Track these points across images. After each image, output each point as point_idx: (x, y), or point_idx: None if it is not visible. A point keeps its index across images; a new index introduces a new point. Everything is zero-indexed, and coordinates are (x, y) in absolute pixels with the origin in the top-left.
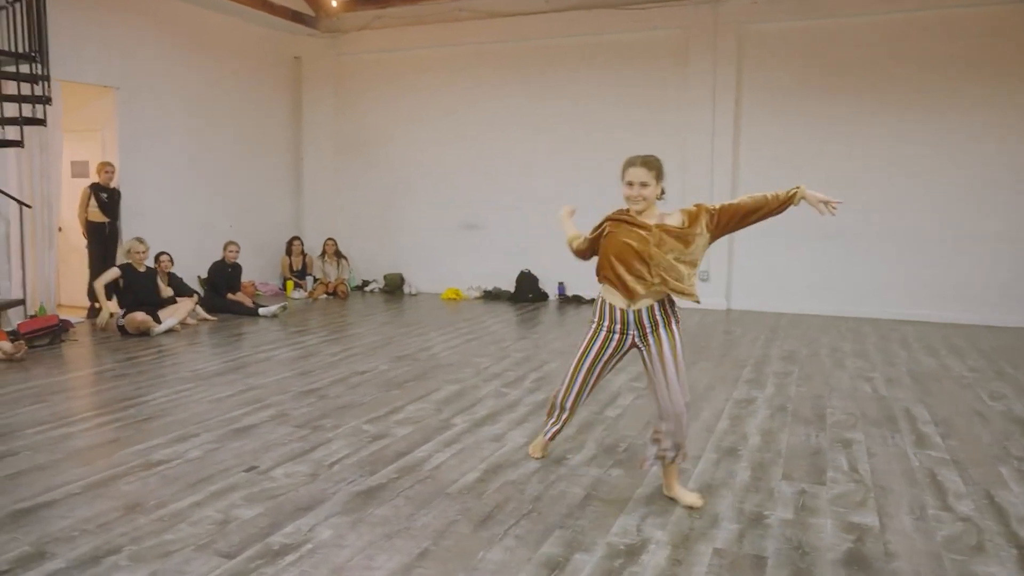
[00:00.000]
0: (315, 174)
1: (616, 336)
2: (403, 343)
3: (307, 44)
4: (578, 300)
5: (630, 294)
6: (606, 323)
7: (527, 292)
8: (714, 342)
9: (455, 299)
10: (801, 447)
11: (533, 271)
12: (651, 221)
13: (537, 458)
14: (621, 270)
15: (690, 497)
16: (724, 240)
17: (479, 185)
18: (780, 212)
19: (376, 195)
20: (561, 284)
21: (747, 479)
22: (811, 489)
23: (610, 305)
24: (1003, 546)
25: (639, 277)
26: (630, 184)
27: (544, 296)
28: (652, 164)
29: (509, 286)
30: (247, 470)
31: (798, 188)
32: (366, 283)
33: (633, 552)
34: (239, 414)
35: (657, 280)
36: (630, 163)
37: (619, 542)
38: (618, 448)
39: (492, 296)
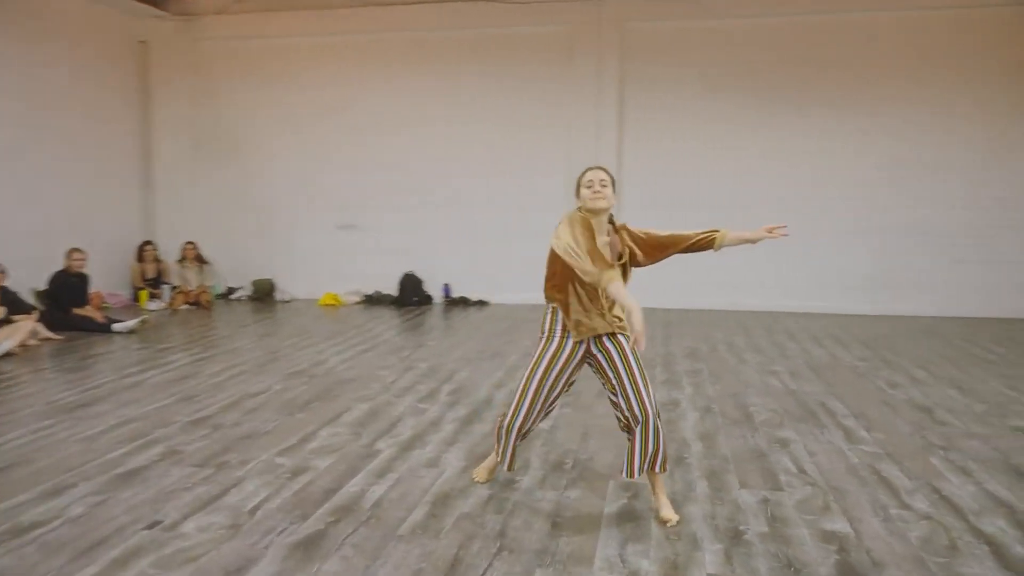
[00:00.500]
0: (169, 171)
1: (569, 344)
2: (292, 357)
3: (155, 27)
4: (464, 301)
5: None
6: (558, 330)
7: (411, 295)
8: None
9: (334, 305)
10: (743, 450)
11: (417, 273)
12: (603, 236)
13: (483, 482)
14: (579, 288)
15: (666, 511)
16: None
17: (357, 183)
18: (694, 251)
19: (241, 194)
20: (446, 285)
21: (706, 490)
22: (772, 496)
23: (560, 314)
24: (974, 543)
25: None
26: (590, 183)
27: (429, 299)
28: (608, 171)
29: (392, 289)
30: (149, 527)
31: (717, 233)
32: (232, 290)
33: None
34: (120, 454)
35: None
36: (588, 168)
37: None
38: (565, 465)
39: (374, 300)
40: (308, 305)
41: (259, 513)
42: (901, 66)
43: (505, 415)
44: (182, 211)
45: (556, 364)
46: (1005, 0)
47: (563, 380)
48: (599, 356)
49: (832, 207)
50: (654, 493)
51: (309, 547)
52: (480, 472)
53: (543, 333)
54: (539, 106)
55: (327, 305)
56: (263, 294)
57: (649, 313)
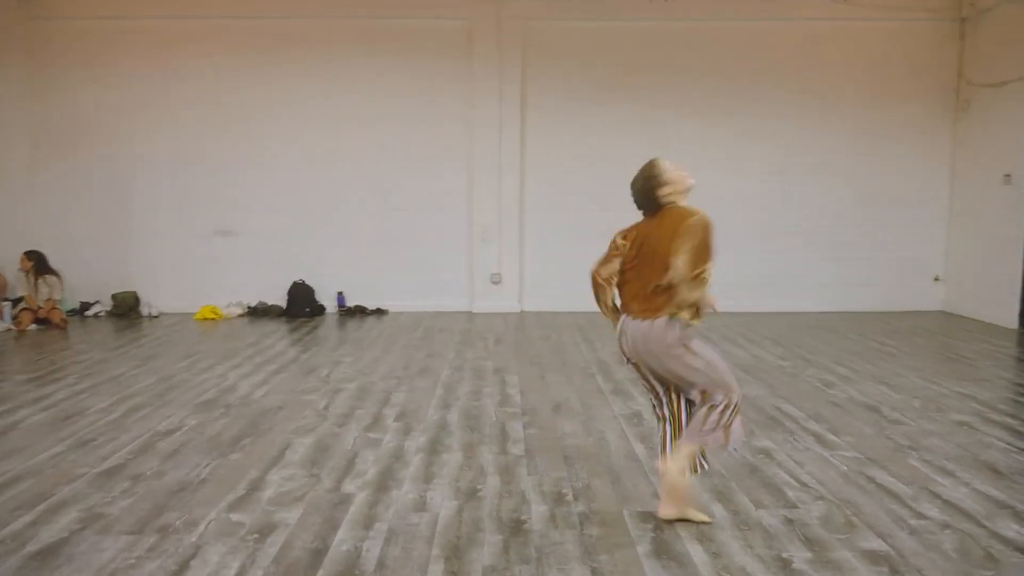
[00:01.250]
0: (2, 171)
1: None
2: (193, 383)
3: None
4: (362, 311)
5: None
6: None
7: (303, 306)
8: (540, 348)
9: (213, 319)
10: (733, 464)
11: (308, 281)
12: None
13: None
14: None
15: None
16: (515, 242)
17: (236, 185)
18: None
19: (95, 197)
20: (340, 294)
21: (724, 513)
22: (792, 515)
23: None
24: (1005, 552)
25: None
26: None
27: (322, 309)
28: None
29: (279, 300)
30: None
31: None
32: (87, 305)
33: None
34: (25, 524)
35: None
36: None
37: None
38: (565, 496)
39: (258, 313)
40: (182, 320)
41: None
42: (785, 74)
43: (728, 404)
44: (18, 216)
45: None
46: (882, 16)
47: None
48: None
49: (723, 209)
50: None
51: None
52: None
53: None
54: (439, 103)
55: (205, 319)
56: (126, 309)
57: (562, 317)
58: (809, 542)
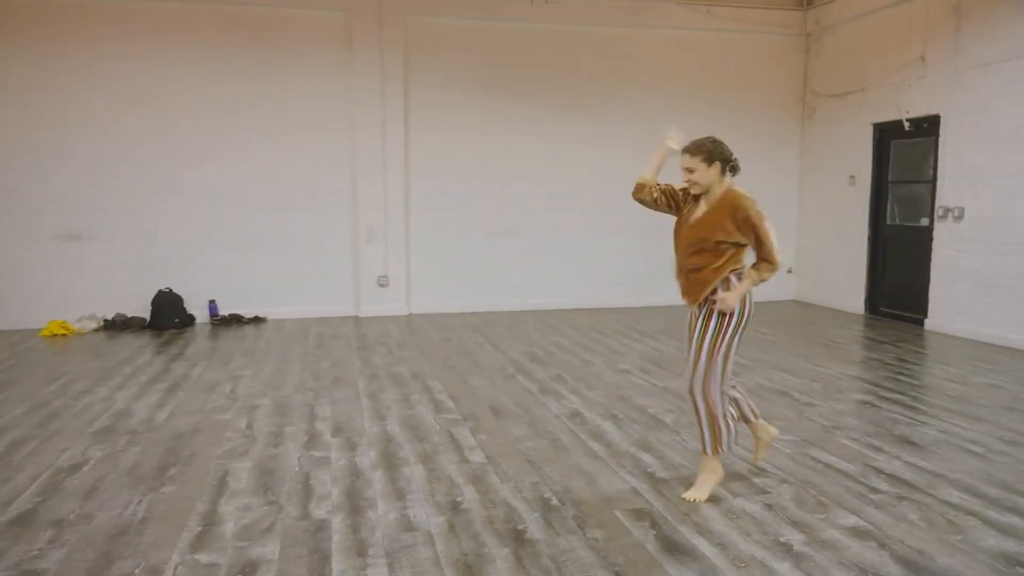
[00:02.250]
0: None
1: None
2: (76, 409)
3: None
4: (238, 320)
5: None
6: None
7: (172, 316)
8: (447, 351)
9: (64, 334)
10: (689, 456)
11: (175, 289)
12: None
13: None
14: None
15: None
16: (401, 243)
17: (86, 184)
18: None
19: None
20: (212, 303)
21: (709, 504)
22: (767, 500)
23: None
24: (960, 516)
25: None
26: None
27: (192, 319)
28: (697, 148)
29: (140, 311)
30: None
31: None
32: None
33: None
34: None
35: None
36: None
37: None
38: (550, 501)
39: (117, 326)
40: (25, 337)
41: None
42: (652, 79)
43: (716, 403)
44: None
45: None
46: (738, 28)
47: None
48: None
49: (595, 207)
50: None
51: None
52: (703, 490)
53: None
54: (319, 98)
55: (54, 336)
56: None
57: (454, 318)
58: (796, 524)
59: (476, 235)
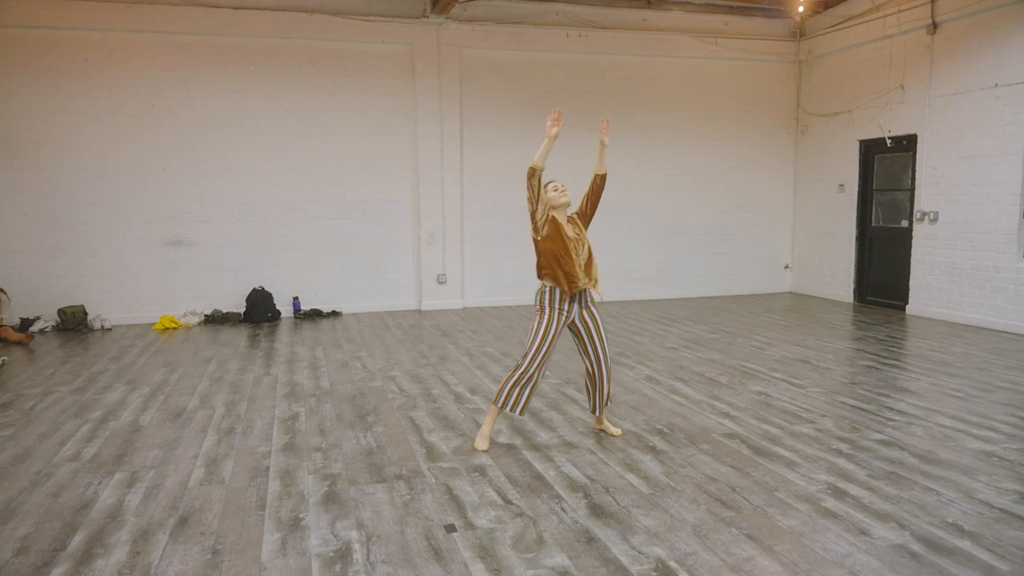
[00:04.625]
0: None
1: (556, 317)
2: (251, 381)
3: None
4: (317, 314)
5: (575, 281)
6: (550, 305)
7: (264, 311)
8: (517, 335)
9: (174, 328)
10: (755, 403)
11: (267, 288)
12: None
13: (486, 449)
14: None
15: (613, 428)
16: (457, 246)
17: (186, 195)
18: (599, 190)
19: (34, 208)
20: (296, 299)
21: (770, 427)
22: (806, 430)
23: (553, 293)
24: (954, 429)
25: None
26: (555, 186)
27: (279, 314)
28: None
29: (235, 307)
30: None
31: (596, 171)
32: (28, 321)
33: None
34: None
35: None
36: (549, 181)
37: None
38: (659, 428)
39: (216, 320)
40: (142, 331)
41: (516, 494)
42: (673, 101)
43: (520, 370)
44: None
45: (551, 330)
46: (741, 57)
47: (556, 343)
48: (580, 327)
49: (630, 213)
50: (601, 423)
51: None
52: (482, 441)
53: (541, 308)
54: (386, 118)
55: (166, 329)
56: (75, 323)
57: (503, 311)
58: (841, 439)
59: (519, 238)
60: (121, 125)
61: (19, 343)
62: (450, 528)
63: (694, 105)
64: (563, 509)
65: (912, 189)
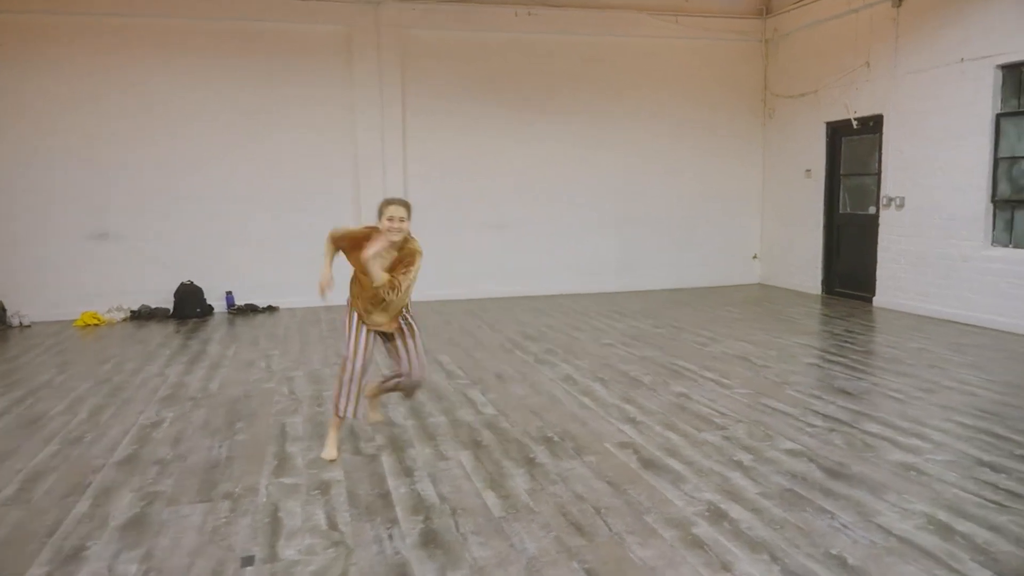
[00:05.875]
0: None
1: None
2: (137, 383)
3: None
4: (253, 309)
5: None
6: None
7: (193, 306)
8: (450, 332)
9: (96, 324)
10: (664, 404)
11: (195, 282)
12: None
13: (334, 459)
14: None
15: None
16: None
17: (114, 186)
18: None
19: None
20: (229, 294)
21: (677, 436)
22: (725, 434)
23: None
24: (875, 440)
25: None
26: (391, 219)
27: (211, 309)
28: (407, 205)
29: (163, 302)
30: (245, 563)
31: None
32: None
33: None
34: (88, 507)
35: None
36: (390, 202)
37: None
38: (550, 438)
39: (143, 316)
40: (61, 328)
41: (343, 527)
42: (629, 83)
43: (344, 373)
44: None
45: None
46: (702, 35)
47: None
48: (393, 339)
49: (582, 203)
50: (375, 412)
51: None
52: (331, 450)
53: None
54: (322, 103)
55: (87, 326)
56: None
57: (449, 304)
58: (746, 449)
59: (468, 229)
60: (45, 112)
61: None
62: (247, 560)
63: (653, 88)
64: (391, 537)
65: (879, 173)
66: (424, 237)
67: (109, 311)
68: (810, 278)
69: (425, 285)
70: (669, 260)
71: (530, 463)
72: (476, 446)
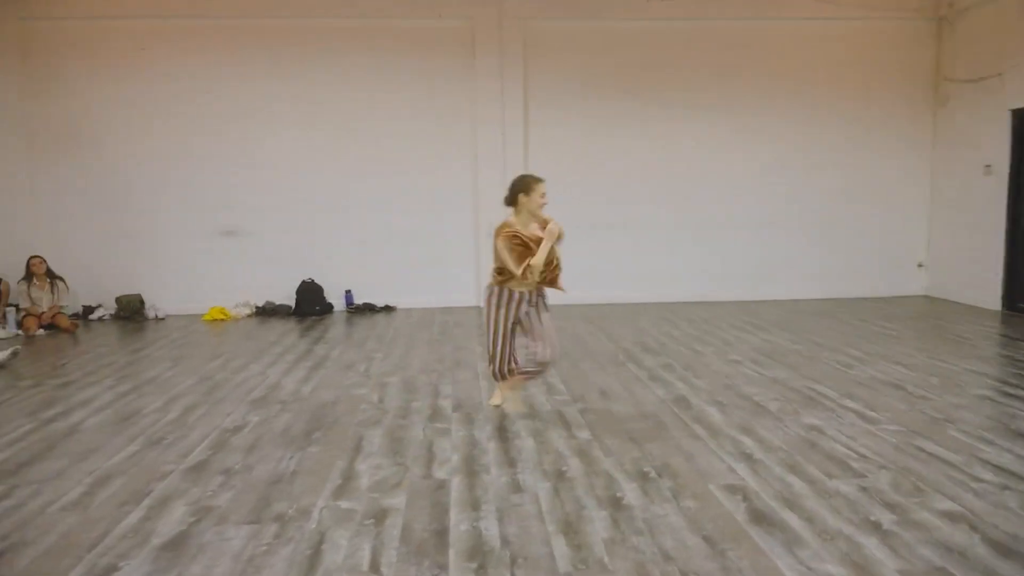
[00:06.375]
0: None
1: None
2: (236, 382)
3: None
4: (370, 308)
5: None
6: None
7: (313, 304)
8: (561, 339)
9: (222, 320)
10: (792, 439)
11: (316, 280)
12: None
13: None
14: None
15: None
16: None
17: (239, 184)
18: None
19: (95, 199)
20: (348, 292)
21: (802, 483)
22: (863, 483)
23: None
24: None
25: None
26: (543, 195)
27: (330, 307)
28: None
29: (286, 299)
30: None
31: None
32: (90, 309)
33: None
34: (137, 520)
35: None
36: (539, 179)
37: None
38: (646, 473)
39: (266, 312)
40: (190, 321)
41: (385, 569)
42: (774, 72)
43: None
44: (18, 222)
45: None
46: (863, 15)
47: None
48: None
49: (716, 203)
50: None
51: None
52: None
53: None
54: (443, 101)
55: (215, 320)
56: (131, 312)
57: (568, 309)
58: (889, 506)
59: (593, 229)
60: (174, 113)
61: (67, 331)
62: None
63: (801, 77)
64: None
65: None
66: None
67: (236, 306)
68: (988, 291)
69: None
70: (816, 267)
71: (616, 504)
72: (559, 477)
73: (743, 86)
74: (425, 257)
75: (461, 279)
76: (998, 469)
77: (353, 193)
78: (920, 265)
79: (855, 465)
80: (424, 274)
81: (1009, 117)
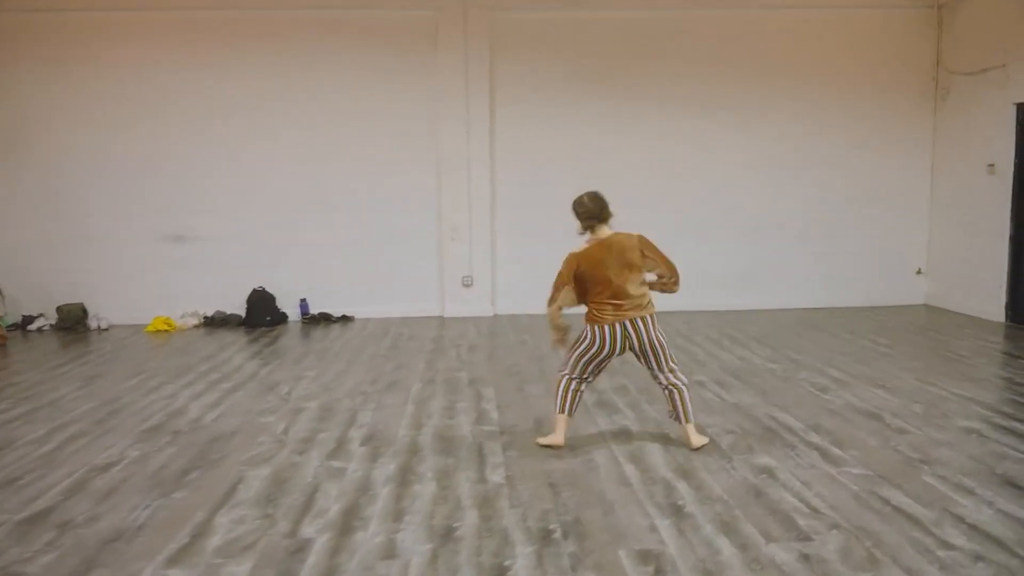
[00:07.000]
0: None
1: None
2: (138, 407)
3: None
4: (327, 318)
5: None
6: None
7: (264, 314)
8: (516, 356)
9: (167, 331)
10: (735, 486)
11: (268, 289)
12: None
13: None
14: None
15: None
16: (486, 242)
17: (188, 187)
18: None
19: (34, 203)
20: (303, 301)
21: (732, 548)
22: (806, 548)
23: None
24: None
25: None
26: None
27: (284, 317)
28: None
29: (238, 309)
30: None
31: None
32: (29, 319)
33: None
34: None
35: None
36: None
37: None
38: (551, 531)
39: (215, 323)
40: (133, 333)
41: None
42: (764, 65)
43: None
44: None
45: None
46: (859, 4)
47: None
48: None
49: (700, 204)
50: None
51: None
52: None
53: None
54: (403, 98)
55: (158, 331)
56: (72, 322)
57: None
58: None
59: (565, 233)
60: (120, 114)
61: None
62: None
63: (790, 70)
64: None
65: None
66: (513, 243)
67: (183, 316)
68: (991, 301)
69: (512, 298)
70: (807, 273)
71: (499, 574)
72: (445, 537)
73: (730, 80)
74: (385, 263)
75: (423, 287)
76: (973, 531)
77: (309, 196)
78: (919, 271)
79: (802, 523)
80: (384, 282)
81: (1014, 111)
